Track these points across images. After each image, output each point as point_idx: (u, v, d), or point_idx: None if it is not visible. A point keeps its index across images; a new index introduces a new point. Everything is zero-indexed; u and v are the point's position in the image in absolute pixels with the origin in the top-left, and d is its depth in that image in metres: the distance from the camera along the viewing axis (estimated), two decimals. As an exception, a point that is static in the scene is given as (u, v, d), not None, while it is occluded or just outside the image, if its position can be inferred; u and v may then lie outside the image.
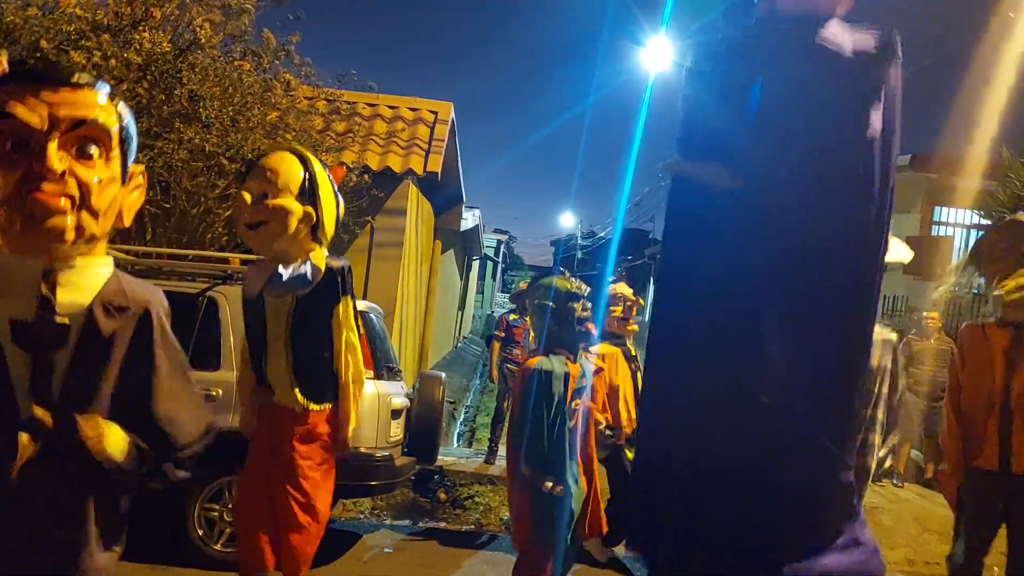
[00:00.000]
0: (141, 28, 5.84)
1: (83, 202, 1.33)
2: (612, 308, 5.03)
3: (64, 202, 1.30)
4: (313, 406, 3.08)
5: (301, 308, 3.01)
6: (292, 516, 3.04)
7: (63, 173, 1.30)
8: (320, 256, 2.99)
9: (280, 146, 3.22)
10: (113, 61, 5.66)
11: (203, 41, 6.08)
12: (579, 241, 35.81)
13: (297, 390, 3.05)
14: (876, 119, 1.87)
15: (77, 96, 1.33)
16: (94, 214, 1.35)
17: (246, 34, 6.54)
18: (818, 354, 1.88)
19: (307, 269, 2.90)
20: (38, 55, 5.67)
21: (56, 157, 1.29)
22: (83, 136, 1.33)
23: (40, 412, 1.30)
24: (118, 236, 5.93)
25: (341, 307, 3.09)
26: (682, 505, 1.93)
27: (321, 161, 3.14)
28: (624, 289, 5.21)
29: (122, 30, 5.88)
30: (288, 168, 2.90)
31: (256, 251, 3.04)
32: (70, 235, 1.32)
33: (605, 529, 3.78)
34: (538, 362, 3.38)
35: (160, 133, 5.92)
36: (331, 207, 3.02)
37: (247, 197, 2.82)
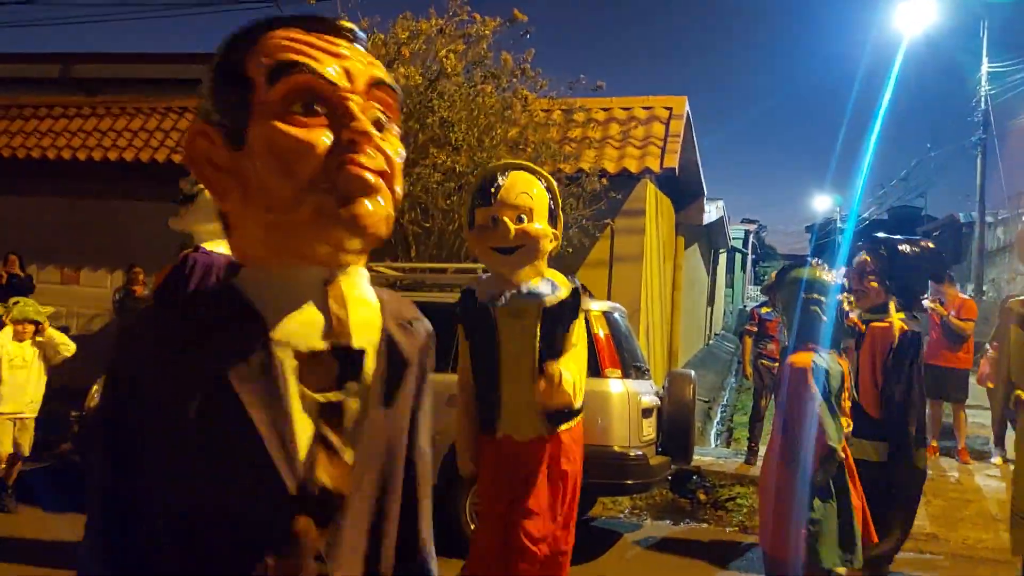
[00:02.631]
0: (396, 65, 6.48)
1: (389, 183, 0.96)
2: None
3: (378, 180, 0.94)
4: (562, 426, 2.91)
5: (546, 327, 2.87)
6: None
7: (375, 143, 0.94)
8: (558, 274, 2.97)
9: (513, 164, 3.10)
10: None
11: (449, 71, 6.59)
12: (838, 224, 33.03)
13: (544, 414, 2.88)
14: None
15: (359, 51, 0.98)
16: (396, 198, 0.97)
17: (486, 58, 6.97)
18: None
19: (546, 287, 2.88)
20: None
21: (367, 121, 0.94)
22: (380, 100, 0.98)
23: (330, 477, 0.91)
24: (386, 253, 6.64)
25: (576, 325, 2.94)
26: None
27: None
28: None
29: (380, 70, 6.58)
30: (540, 191, 2.91)
31: (492, 269, 2.99)
32: (385, 226, 0.94)
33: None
34: (809, 358, 3.15)
35: (416, 160, 6.51)
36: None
37: (509, 224, 2.81)
